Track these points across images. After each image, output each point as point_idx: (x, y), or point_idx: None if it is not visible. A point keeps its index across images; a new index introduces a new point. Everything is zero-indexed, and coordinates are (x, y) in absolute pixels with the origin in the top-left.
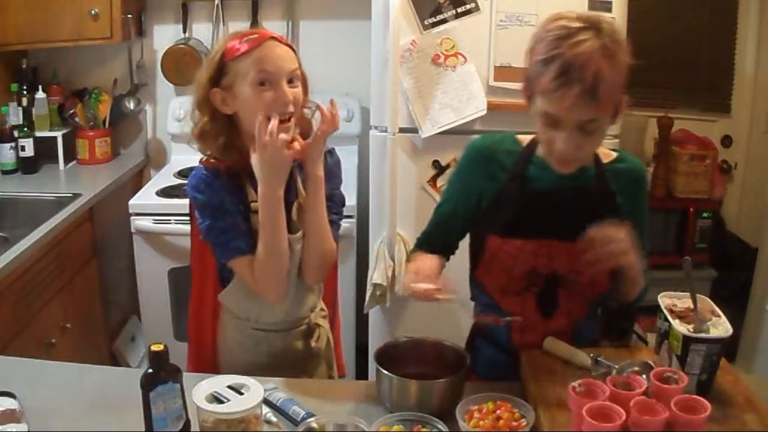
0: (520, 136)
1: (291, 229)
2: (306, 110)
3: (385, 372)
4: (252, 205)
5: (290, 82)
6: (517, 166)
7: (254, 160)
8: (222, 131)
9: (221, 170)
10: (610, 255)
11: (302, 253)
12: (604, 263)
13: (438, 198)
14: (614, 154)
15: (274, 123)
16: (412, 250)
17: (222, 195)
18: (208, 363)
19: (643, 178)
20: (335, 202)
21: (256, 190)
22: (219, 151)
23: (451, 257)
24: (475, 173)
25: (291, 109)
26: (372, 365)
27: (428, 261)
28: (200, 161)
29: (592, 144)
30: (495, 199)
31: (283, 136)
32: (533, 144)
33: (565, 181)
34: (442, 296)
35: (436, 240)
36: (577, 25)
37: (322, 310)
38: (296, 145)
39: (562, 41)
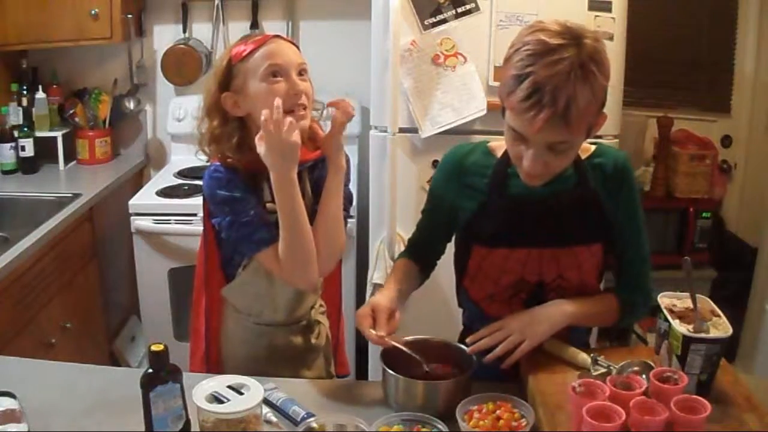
0: (492, 144)
1: None
2: (314, 112)
3: (391, 372)
4: (268, 206)
5: (300, 75)
6: (496, 176)
7: (261, 149)
8: (234, 132)
9: (239, 169)
10: (510, 350)
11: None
12: (510, 359)
13: None
14: (592, 148)
15: (279, 110)
16: (399, 256)
17: (242, 190)
18: (209, 358)
19: (624, 171)
20: (344, 198)
21: (272, 192)
22: (233, 150)
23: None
24: (450, 187)
25: (303, 100)
26: (372, 365)
27: (384, 299)
28: (218, 158)
29: (561, 162)
30: (478, 210)
31: (288, 118)
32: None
33: (546, 186)
34: (393, 343)
35: (421, 247)
36: (556, 41)
37: (321, 306)
38: (303, 123)
39: (537, 58)
